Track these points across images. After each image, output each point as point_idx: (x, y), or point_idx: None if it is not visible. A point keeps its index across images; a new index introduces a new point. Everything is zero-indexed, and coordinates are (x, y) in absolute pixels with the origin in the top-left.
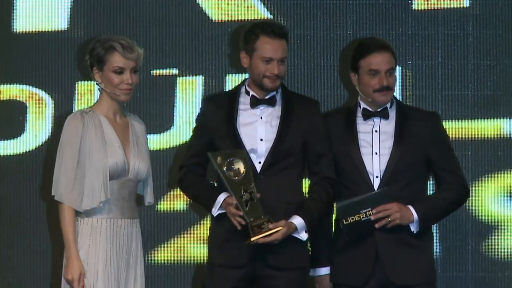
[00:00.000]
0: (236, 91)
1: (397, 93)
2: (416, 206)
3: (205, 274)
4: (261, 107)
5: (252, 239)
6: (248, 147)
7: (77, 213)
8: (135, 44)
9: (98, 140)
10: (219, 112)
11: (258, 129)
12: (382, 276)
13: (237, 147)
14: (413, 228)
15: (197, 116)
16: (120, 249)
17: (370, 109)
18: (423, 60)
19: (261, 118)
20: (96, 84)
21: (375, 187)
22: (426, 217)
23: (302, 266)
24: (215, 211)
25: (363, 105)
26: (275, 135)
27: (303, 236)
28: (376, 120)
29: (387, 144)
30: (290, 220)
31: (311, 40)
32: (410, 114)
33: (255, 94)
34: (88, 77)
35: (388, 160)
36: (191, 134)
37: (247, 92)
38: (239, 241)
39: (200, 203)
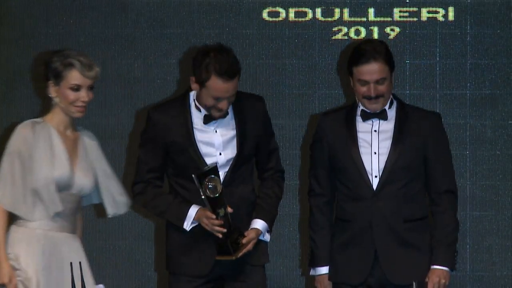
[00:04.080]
0: (185, 103)
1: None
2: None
3: (169, 283)
4: (215, 122)
5: (234, 257)
6: (208, 161)
7: (14, 220)
8: (93, 62)
9: (47, 152)
10: (172, 124)
11: (215, 143)
12: (381, 275)
13: (197, 162)
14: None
15: (146, 128)
16: (56, 263)
17: (368, 111)
18: (421, 59)
19: (216, 131)
20: (50, 97)
21: (374, 187)
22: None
23: (264, 263)
24: (188, 225)
25: (361, 106)
26: (235, 149)
27: (267, 237)
28: (375, 120)
29: (386, 144)
30: (254, 227)
31: (310, 39)
32: (410, 113)
33: (205, 112)
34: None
35: (387, 160)
36: (141, 147)
37: (198, 108)
38: (204, 248)
39: (167, 217)
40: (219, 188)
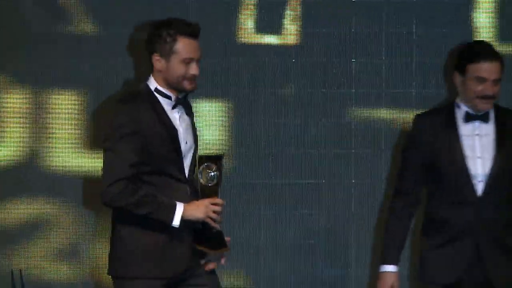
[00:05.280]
0: (148, 91)
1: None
2: None
3: None
4: (178, 108)
5: (225, 251)
6: (184, 152)
7: None
8: None
9: None
10: (146, 116)
11: (181, 132)
12: (480, 277)
13: (177, 150)
14: None
15: (121, 123)
16: None
17: (472, 112)
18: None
19: (179, 120)
20: None
21: (479, 191)
22: None
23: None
24: (177, 221)
25: (464, 107)
26: (193, 138)
27: None
28: (477, 123)
29: (489, 147)
30: None
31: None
32: (507, 115)
33: (175, 95)
34: None
35: (492, 164)
36: (116, 143)
37: (163, 94)
38: (178, 248)
39: (155, 215)
40: (218, 178)
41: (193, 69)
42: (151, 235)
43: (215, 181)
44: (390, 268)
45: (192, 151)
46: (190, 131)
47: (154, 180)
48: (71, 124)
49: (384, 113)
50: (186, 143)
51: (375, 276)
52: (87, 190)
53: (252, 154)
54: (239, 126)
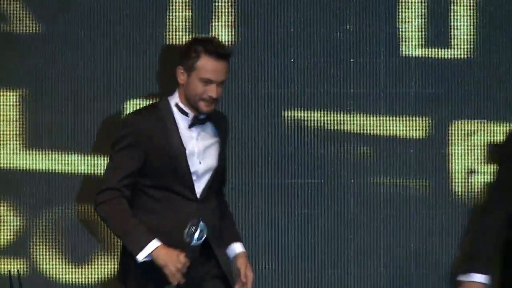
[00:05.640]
0: (166, 105)
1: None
2: None
3: None
4: (197, 128)
5: None
6: (191, 168)
7: None
8: None
9: None
10: (156, 130)
11: (196, 151)
12: None
13: (182, 168)
14: None
15: (124, 134)
16: None
17: None
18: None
19: (198, 139)
20: None
21: None
22: None
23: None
24: (142, 257)
25: None
26: (215, 158)
27: None
28: None
29: None
30: (241, 250)
31: (254, 38)
32: None
33: (193, 114)
34: None
35: None
36: (117, 153)
37: (182, 111)
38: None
39: (126, 239)
40: (202, 237)
41: (211, 91)
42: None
43: (200, 239)
44: (479, 277)
45: (211, 172)
46: (212, 152)
47: (156, 194)
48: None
49: (381, 113)
50: (200, 163)
51: (376, 276)
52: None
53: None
54: (239, 126)
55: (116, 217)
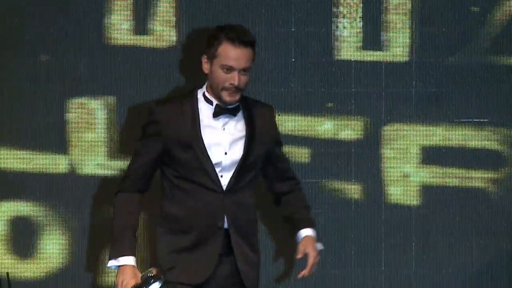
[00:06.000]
0: (193, 96)
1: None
2: None
3: None
4: (224, 117)
5: None
6: (214, 160)
7: None
8: None
9: None
10: (178, 120)
11: (222, 142)
12: None
13: (202, 160)
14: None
15: (148, 123)
16: None
17: None
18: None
19: (224, 129)
20: None
21: None
22: None
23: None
24: (110, 264)
25: None
26: (242, 150)
27: (320, 246)
28: None
29: None
30: (307, 234)
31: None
32: None
33: (218, 103)
34: None
35: None
36: (138, 143)
37: (207, 99)
38: (204, 252)
39: (114, 237)
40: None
41: (232, 79)
42: (180, 239)
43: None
44: None
45: (238, 164)
46: (240, 142)
47: (183, 185)
48: None
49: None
50: (226, 153)
51: (375, 276)
52: None
53: None
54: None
55: (116, 217)
